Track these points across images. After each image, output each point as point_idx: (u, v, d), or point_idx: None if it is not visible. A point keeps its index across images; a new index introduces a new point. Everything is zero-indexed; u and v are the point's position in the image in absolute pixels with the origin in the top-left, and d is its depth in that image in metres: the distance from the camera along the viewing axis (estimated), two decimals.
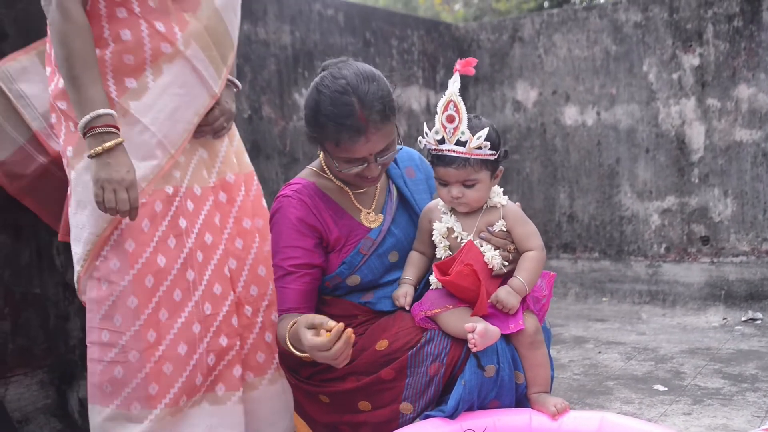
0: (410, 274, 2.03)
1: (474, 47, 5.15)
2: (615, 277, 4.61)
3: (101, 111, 1.79)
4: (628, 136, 4.54)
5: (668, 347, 3.47)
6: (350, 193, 2.08)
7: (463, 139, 1.86)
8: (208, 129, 2.11)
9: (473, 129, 1.87)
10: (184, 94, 2.00)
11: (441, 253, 1.98)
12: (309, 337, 1.70)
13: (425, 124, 1.95)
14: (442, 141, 1.89)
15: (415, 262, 2.05)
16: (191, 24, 2.01)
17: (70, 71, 1.82)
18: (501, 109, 5.05)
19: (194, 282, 2.02)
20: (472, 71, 1.93)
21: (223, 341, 2.06)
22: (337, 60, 1.98)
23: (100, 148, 1.78)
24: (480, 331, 1.75)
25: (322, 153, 2.03)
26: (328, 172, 2.07)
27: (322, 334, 1.70)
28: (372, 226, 2.06)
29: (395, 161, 2.18)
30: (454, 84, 1.88)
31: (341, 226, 2.02)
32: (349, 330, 1.69)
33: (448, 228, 1.97)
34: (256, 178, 2.31)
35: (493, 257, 1.91)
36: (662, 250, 4.45)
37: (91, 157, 1.78)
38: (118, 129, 1.82)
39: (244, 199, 2.21)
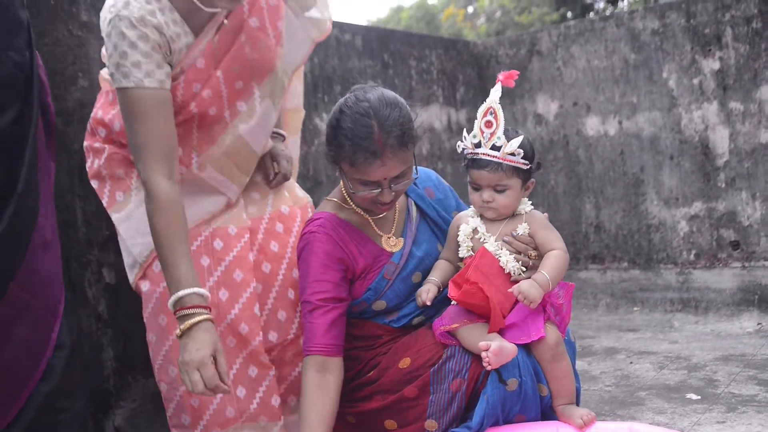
0: (436, 276, 2.07)
1: (493, 63, 5.18)
2: (645, 286, 4.57)
3: (182, 293, 1.79)
4: (652, 144, 4.52)
5: (701, 355, 3.43)
6: (370, 220, 2.11)
7: (498, 144, 1.96)
8: (272, 183, 2.23)
9: (509, 136, 1.96)
10: (191, 202, 2.05)
11: (463, 252, 2.03)
12: None
13: (464, 129, 2.05)
14: (478, 145, 2.00)
15: (442, 266, 2.09)
16: (209, 149, 2.08)
17: (157, 248, 1.86)
18: (522, 122, 5.06)
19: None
20: (512, 84, 2.03)
21: (252, 372, 2.09)
22: (365, 84, 2.03)
23: (178, 331, 1.78)
24: (494, 350, 1.77)
25: (341, 180, 2.08)
26: (348, 201, 2.11)
27: None
28: (393, 250, 2.10)
29: (414, 182, 2.22)
30: (496, 92, 2.00)
31: (366, 254, 2.06)
32: None
33: (473, 229, 2.03)
34: (311, 209, 2.35)
35: (508, 261, 1.95)
36: (692, 257, 4.40)
37: (177, 337, 1.81)
38: (201, 307, 1.81)
39: (299, 230, 2.25)
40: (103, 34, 1.89)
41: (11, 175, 1.51)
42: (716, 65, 4.26)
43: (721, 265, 4.29)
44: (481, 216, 2.07)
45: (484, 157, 1.99)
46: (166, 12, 1.88)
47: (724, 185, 4.26)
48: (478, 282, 1.84)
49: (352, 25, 4.31)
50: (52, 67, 2.87)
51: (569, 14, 10.85)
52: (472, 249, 2.03)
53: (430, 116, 4.78)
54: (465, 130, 2.07)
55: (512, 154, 1.96)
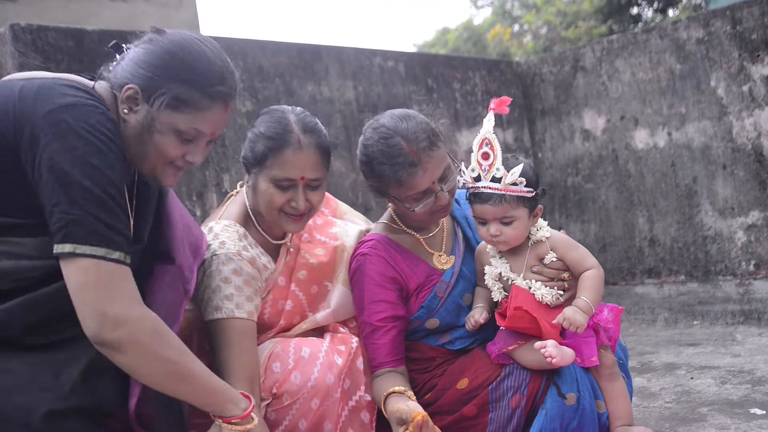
0: (481, 301, 2.09)
1: (537, 81, 5.18)
2: (704, 299, 4.48)
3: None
4: (703, 154, 4.45)
5: (766, 368, 3.34)
6: (421, 240, 2.16)
7: (498, 175, 1.93)
8: None
9: (508, 166, 1.93)
10: None
11: (497, 296, 2.03)
12: None
13: (462, 163, 2.02)
14: (478, 178, 1.97)
15: (482, 293, 2.11)
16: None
17: None
18: (570, 139, 5.04)
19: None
20: (506, 110, 2.02)
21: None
22: (367, 123, 2.12)
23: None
24: (552, 344, 1.78)
25: (391, 204, 2.12)
26: (398, 222, 2.16)
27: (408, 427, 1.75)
28: (445, 268, 2.13)
29: (458, 202, 2.25)
30: (489, 122, 1.97)
31: (418, 273, 2.10)
32: (422, 416, 1.72)
33: (498, 274, 2.02)
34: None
35: (543, 295, 1.94)
36: (751, 267, 4.30)
37: None
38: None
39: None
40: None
41: None
42: (766, 71, 4.19)
43: None
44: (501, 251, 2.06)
45: (485, 190, 1.94)
46: (253, 247, 2.06)
47: None
48: (521, 306, 1.85)
49: (394, 52, 4.39)
50: None
51: (614, 27, 10.73)
52: (504, 290, 2.03)
53: (475, 138, 4.80)
54: (462, 164, 2.03)
55: (514, 183, 1.93)
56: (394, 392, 1.86)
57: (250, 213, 2.09)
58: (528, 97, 5.23)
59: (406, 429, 1.74)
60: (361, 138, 2.07)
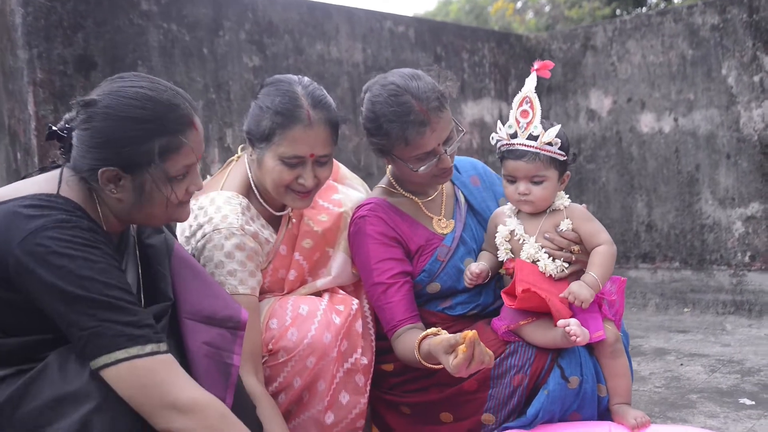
0: (484, 261, 2.06)
1: (546, 57, 5.12)
2: (697, 287, 4.49)
3: None
4: (708, 142, 4.43)
5: (755, 359, 3.36)
6: (420, 203, 2.13)
7: (535, 133, 1.92)
8: None
9: (545, 126, 1.92)
10: None
11: (502, 256, 2.01)
12: (452, 361, 1.68)
13: (498, 121, 2.01)
14: (514, 135, 1.96)
15: (486, 256, 2.08)
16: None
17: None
18: (575, 118, 5.00)
19: None
20: (548, 74, 1.99)
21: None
22: (372, 80, 2.06)
23: None
24: (575, 322, 1.76)
25: (391, 166, 2.09)
26: (396, 186, 2.13)
27: (458, 352, 1.69)
28: (445, 232, 2.10)
29: (458, 169, 2.23)
30: (531, 81, 1.96)
31: (418, 236, 2.07)
32: (474, 333, 1.69)
33: (510, 231, 2.00)
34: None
35: (546, 265, 1.92)
36: (747, 259, 4.31)
37: None
38: None
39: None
40: (188, 246, 1.97)
41: None
42: None
43: None
44: (519, 212, 2.04)
45: (520, 147, 1.94)
46: (255, 220, 2.01)
47: None
48: (530, 287, 1.82)
49: (405, 17, 4.31)
50: (113, 54, 2.94)
51: (618, 11, 10.62)
52: (511, 251, 2.00)
53: (481, 110, 4.75)
54: (499, 121, 2.04)
55: (549, 143, 1.93)
56: (428, 335, 1.82)
57: (253, 184, 2.04)
58: None
59: (454, 356, 1.67)
60: (368, 94, 2.01)
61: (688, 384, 3.06)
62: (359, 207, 2.12)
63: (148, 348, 1.42)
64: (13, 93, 2.80)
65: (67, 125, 1.55)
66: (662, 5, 11.09)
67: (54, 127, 1.57)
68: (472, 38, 4.73)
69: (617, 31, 4.78)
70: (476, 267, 2.00)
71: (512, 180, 1.99)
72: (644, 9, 11.01)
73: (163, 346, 1.45)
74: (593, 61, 4.90)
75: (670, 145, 4.59)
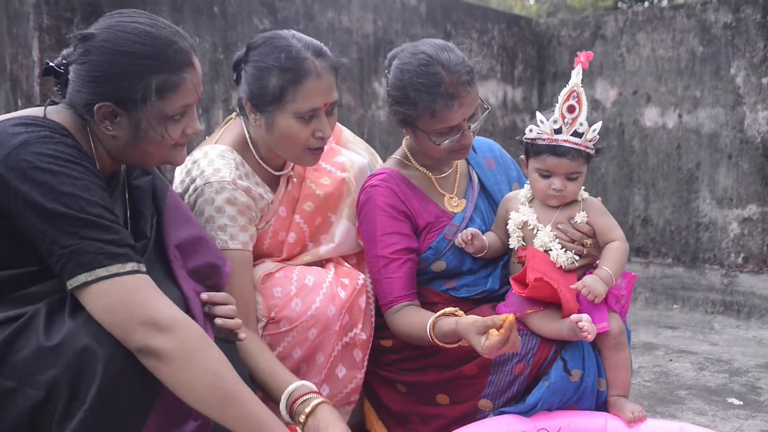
0: (488, 238, 2.04)
1: (554, 43, 5.08)
2: (688, 285, 4.50)
3: (291, 387, 1.73)
4: (711, 141, 4.41)
5: (743, 360, 3.38)
6: (433, 179, 2.10)
7: (580, 130, 1.87)
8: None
9: (589, 122, 1.88)
10: None
11: (514, 243, 1.98)
12: (484, 342, 1.66)
13: (537, 113, 1.94)
14: (559, 131, 1.89)
15: (491, 237, 2.05)
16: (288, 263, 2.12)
17: (253, 375, 1.83)
18: None
19: None
20: (586, 65, 1.93)
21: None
22: (399, 48, 2.01)
23: (302, 417, 1.69)
24: (587, 318, 1.75)
25: (410, 137, 2.05)
26: (411, 159, 2.10)
27: (490, 334, 1.66)
28: (455, 211, 2.08)
29: (474, 149, 2.19)
30: (577, 75, 1.90)
31: (427, 212, 2.04)
32: (513, 317, 1.67)
33: (523, 220, 1.97)
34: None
35: (558, 255, 1.90)
36: (740, 260, 4.32)
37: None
38: (312, 392, 1.73)
39: None
40: (182, 199, 1.91)
41: None
42: None
43: None
44: (532, 200, 2.00)
45: (565, 144, 1.88)
46: (250, 177, 1.96)
47: None
48: (542, 277, 1.80)
49: None
50: (121, 5, 2.86)
51: (620, 4, 10.57)
52: (523, 239, 1.97)
53: (486, 91, 4.71)
54: (538, 113, 1.95)
55: (591, 140, 1.89)
56: (445, 314, 1.80)
57: (250, 143, 2.00)
58: (542, 58, 5.13)
59: (486, 337, 1.64)
60: (396, 62, 1.96)
61: (677, 380, 3.07)
62: (372, 176, 2.09)
63: (129, 266, 1.39)
64: (17, 37, 2.73)
65: (64, 61, 1.51)
66: (664, 1, 11.08)
67: (51, 63, 1.52)
68: (482, 18, 4.68)
69: (628, 22, 4.74)
70: (470, 231, 1.97)
71: (547, 175, 1.93)
72: (646, 3, 10.98)
73: (143, 267, 1.42)
74: (602, 50, 4.86)
75: (672, 141, 4.57)
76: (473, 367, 1.88)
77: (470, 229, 1.99)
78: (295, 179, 2.10)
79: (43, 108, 1.51)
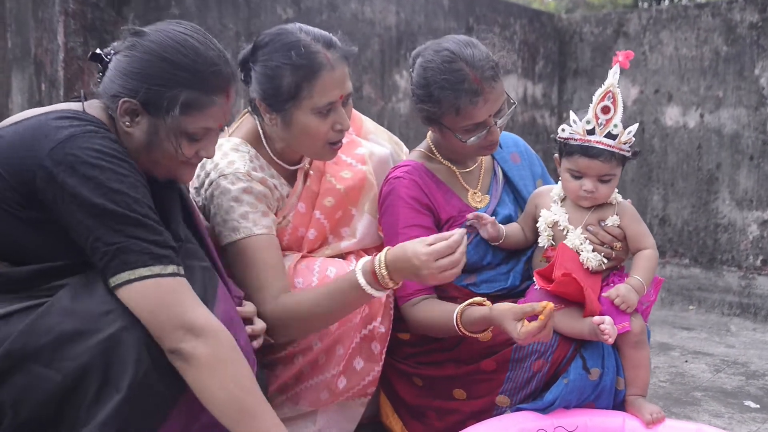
0: (509, 229, 2.03)
1: (576, 40, 5.04)
2: (705, 286, 4.47)
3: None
4: (732, 142, 4.37)
5: (759, 363, 3.35)
6: (457, 173, 2.10)
7: (614, 132, 1.84)
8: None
9: (624, 123, 1.86)
10: None
11: (544, 242, 1.97)
12: (520, 328, 1.67)
13: (571, 112, 1.92)
14: (592, 132, 1.86)
15: (514, 227, 2.05)
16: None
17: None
18: None
19: None
20: (627, 64, 1.91)
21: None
22: (423, 46, 2.00)
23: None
24: (609, 321, 1.74)
25: (434, 134, 2.04)
26: (436, 153, 2.10)
27: (526, 322, 1.68)
28: (479, 206, 2.07)
29: (500, 144, 2.19)
30: (614, 75, 1.87)
31: (450, 206, 2.04)
32: (552, 305, 1.68)
33: (554, 219, 1.95)
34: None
35: (588, 258, 1.89)
36: (758, 263, 4.28)
37: None
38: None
39: None
40: (199, 198, 1.92)
41: None
42: None
43: None
44: (564, 200, 1.99)
45: (597, 145, 1.85)
46: (265, 169, 1.96)
47: None
48: (570, 273, 1.79)
49: None
50: None
51: (641, 3, 10.49)
52: (553, 239, 1.96)
53: (506, 87, 4.67)
54: (572, 113, 1.93)
55: (625, 143, 1.86)
56: (473, 303, 1.80)
57: (263, 137, 1.99)
58: (564, 54, 5.09)
59: (522, 324, 1.66)
60: (420, 60, 1.96)
61: (693, 381, 3.06)
62: (396, 168, 2.08)
63: (170, 269, 1.41)
64: (42, 21, 2.74)
65: (112, 51, 1.53)
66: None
67: (99, 51, 1.54)
68: (505, 12, 4.65)
69: (652, 20, 4.70)
70: (486, 216, 1.97)
71: (578, 176, 1.91)
72: (666, 2, 10.90)
73: (182, 270, 1.43)
74: (624, 48, 4.82)
75: (693, 141, 4.54)
76: (491, 363, 1.88)
77: (487, 216, 1.99)
78: (313, 173, 2.09)
79: (80, 102, 1.52)
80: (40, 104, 2.75)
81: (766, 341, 3.83)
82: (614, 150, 1.85)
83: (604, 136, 1.85)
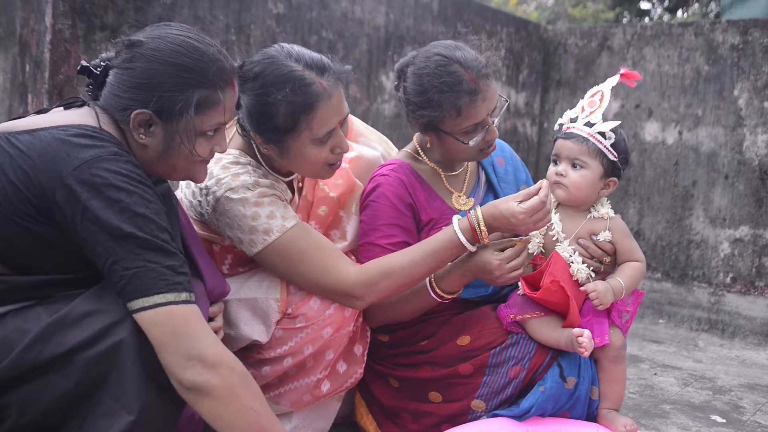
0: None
1: (560, 51, 5.09)
2: (675, 301, 4.54)
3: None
4: (709, 160, 4.45)
5: (726, 379, 3.41)
6: (442, 176, 2.11)
7: (593, 121, 1.93)
8: None
9: (606, 119, 1.94)
10: None
11: (534, 248, 1.99)
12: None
13: (569, 110, 2.05)
14: (574, 120, 1.98)
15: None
16: None
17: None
18: None
19: None
20: (633, 83, 1.98)
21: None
22: (409, 56, 2.01)
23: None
24: (588, 335, 1.76)
25: (435, 143, 2.04)
26: (422, 155, 2.11)
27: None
28: (462, 209, 2.08)
29: None
30: (611, 81, 1.99)
31: (432, 208, 2.05)
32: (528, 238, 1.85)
33: (547, 226, 1.98)
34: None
35: (578, 270, 1.91)
36: (728, 280, 4.36)
37: None
38: None
39: None
40: (206, 216, 1.89)
41: None
42: None
43: (756, 293, 4.24)
44: (558, 206, 2.01)
45: (574, 130, 1.97)
46: (268, 177, 1.95)
47: None
48: (559, 281, 1.81)
49: None
50: None
51: (624, 19, 10.65)
52: (543, 247, 1.98)
53: None
54: (569, 110, 2.07)
55: (602, 134, 1.92)
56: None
57: (257, 152, 1.95)
58: (547, 64, 5.14)
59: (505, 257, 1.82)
60: (411, 68, 1.96)
61: (662, 394, 3.10)
62: (382, 166, 2.09)
63: (183, 296, 1.40)
64: (30, 1, 2.70)
65: (102, 63, 1.52)
66: (666, 17, 11.13)
67: (86, 63, 1.54)
68: (492, 20, 4.68)
69: (636, 36, 4.76)
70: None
71: (555, 160, 1.99)
72: (647, 19, 11.05)
73: (194, 297, 1.43)
74: (608, 61, 4.88)
75: (670, 158, 4.60)
76: (468, 367, 1.89)
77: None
78: (301, 183, 2.09)
79: (95, 117, 1.48)
80: (24, 86, 2.70)
81: (733, 357, 3.89)
82: (588, 136, 1.91)
83: (584, 125, 1.97)
